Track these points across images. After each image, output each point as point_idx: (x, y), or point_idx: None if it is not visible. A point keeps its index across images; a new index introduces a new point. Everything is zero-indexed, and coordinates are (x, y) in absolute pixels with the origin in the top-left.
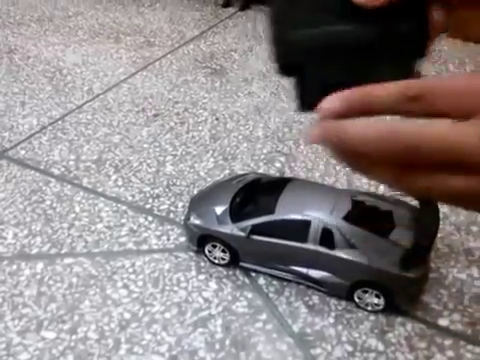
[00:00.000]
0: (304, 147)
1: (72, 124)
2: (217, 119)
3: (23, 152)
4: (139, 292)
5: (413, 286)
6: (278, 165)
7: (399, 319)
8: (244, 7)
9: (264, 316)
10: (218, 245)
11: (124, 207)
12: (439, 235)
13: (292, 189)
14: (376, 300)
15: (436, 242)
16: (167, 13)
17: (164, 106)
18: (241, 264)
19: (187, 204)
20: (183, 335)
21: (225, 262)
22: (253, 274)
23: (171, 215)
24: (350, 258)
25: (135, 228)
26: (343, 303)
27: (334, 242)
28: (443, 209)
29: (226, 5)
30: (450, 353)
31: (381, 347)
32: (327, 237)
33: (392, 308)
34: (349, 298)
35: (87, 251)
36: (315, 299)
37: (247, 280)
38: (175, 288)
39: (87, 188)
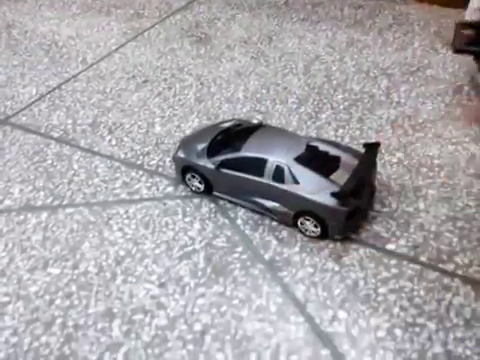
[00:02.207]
0: (280, 106)
1: (68, 92)
2: (201, 83)
3: (24, 118)
4: (132, 234)
5: (344, 218)
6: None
7: (353, 246)
8: None
9: (240, 248)
10: (196, 175)
11: (117, 163)
12: (393, 177)
13: (260, 133)
14: (314, 228)
15: (390, 182)
16: None
17: (153, 73)
18: (214, 193)
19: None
20: (170, 266)
21: (201, 190)
22: (232, 215)
23: (160, 169)
24: (294, 191)
25: (128, 181)
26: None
27: (284, 178)
28: (398, 154)
29: None
30: (394, 270)
31: (337, 268)
32: (279, 173)
33: (326, 236)
34: (294, 225)
35: (85, 202)
36: (284, 233)
37: (227, 221)
38: (164, 229)
39: (84, 148)
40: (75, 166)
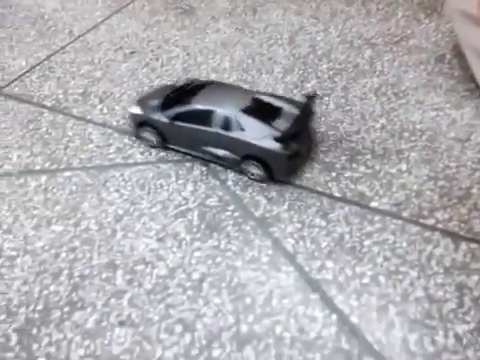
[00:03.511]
0: (265, 76)
1: (58, 63)
2: (188, 54)
3: (17, 89)
4: (129, 195)
5: (286, 161)
6: None
7: (339, 204)
8: None
9: (232, 207)
10: (151, 129)
11: (110, 130)
12: (377, 141)
13: (210, 88)
14: (259, 171)
15: (373, 146)
16: None
17: (139, 44)
18: (169, 145)
19: None
20: (167, 223)
21: (155, 144)
22: (222, 177)
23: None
24: (240, 138)
25: (121, 147)
26: (295, 194)
27: (231, 126)
28: (381, 121)
29: None
30: (378, 225)
31: (323, 224)
32: (226, 123)
33: (271, 178)
34: (240, 170)
35: (82, 166)
36: (273, 193)
37: (218, 182)
38: (158, 190)
39: (77, 116)
40: (69, 133)
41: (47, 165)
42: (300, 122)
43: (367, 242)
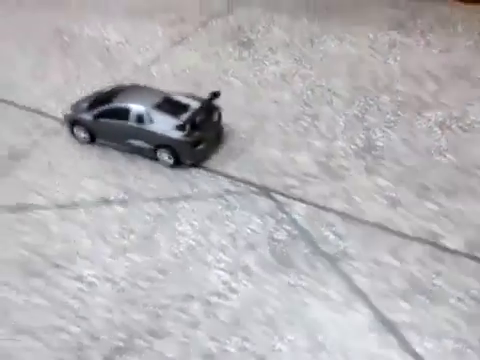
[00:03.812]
0: (326, 107)
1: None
2: (248, 85)
3: None
4: (199, 226)
5: (188, 147)
6: (305, 124)
7: (409, 241)
8: None
9: (301, 242)
10: (81, 127)
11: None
12: (445, 176)
13: (130, 90)
14: (169, 158)
15: (442, 182)
16: None
17: (200, 75)
18: (98, 141)
19: (230, 159)
20: (237, 256)
21: (87, 140)
22: (288, 209)
23: (218, 168)
24: (151, 129)
25: (189, 179)
26: (364, 230)
27: (144, 120)
28: (449, 155)
29: None
30: (450, 265)
31: (395, 262)
32: (140, 118)
33: (180, 163)
34: (155, 158)
35: (155, 197)
36: (341, 229)
37: (284, 216)
38: (226, 222)
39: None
40: (141, 165)
41: (121, 196)
42: (198, 113)
43: (439, 282)
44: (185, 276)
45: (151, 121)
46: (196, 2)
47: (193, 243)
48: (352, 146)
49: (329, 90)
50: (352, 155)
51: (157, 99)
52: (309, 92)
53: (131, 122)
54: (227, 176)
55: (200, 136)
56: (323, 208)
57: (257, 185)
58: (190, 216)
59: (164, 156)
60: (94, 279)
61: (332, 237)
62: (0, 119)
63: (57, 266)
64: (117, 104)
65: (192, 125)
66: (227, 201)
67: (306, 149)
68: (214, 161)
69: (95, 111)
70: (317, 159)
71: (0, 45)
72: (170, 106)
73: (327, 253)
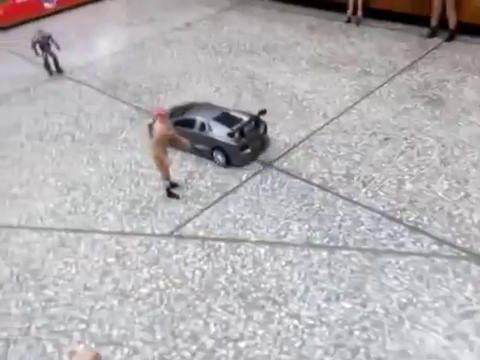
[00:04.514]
0: None
1: (317, 143)
2: (443, 146)
3: (285, 164)
4: (408, 284)
5: (237, 150)
6: None
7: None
8: (450, 38)
9: None
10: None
11: (378, 215)
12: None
13: (198, 106)
14: (221, 159)
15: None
16: (375, 44)
17: (391, 131)
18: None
19: (432, 219)
20: (453, 322)
21: None
22: None
23: (419, 226)
24: (209, 136)
25: (392, 234)
26: None
27: (205, 128)
28: None
29: (432, 36)
30: None
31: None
32: (203, 126)
33: (229, 163)
34: (211, 158)
35: (357, 247)
36: None
37: None
38: (437, 285)
39: (344, 197)
40: (340, 212)
41: (325, 241)
42: (246, 125)
43: None
44: (400, 334)
45: (210, 129)
46: (380, 56)
47: (405, 300)
48: None
49: None
50: None
51: (217, 113)
52: None
53: (195, 130)
54: (431, 236)
55: (246, 142)
56: None
57: (467, 250)
58: (397, 272)
59: (218, 156)
60: (311, 321)
61: None
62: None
63: (275, 302)
64: (186, 116)
65: (240, 133)
66: (434, 262)
67: None
68: (421, 224)
69: (173, 120)
70: None
71: (201, 84)
72: (226, 119)
73: None
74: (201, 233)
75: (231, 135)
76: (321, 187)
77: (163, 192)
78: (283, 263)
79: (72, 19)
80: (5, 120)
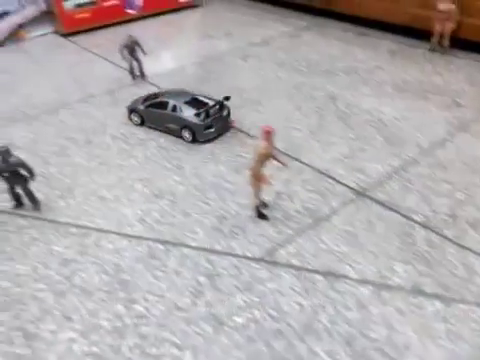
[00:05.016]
0: None
1: (414, 175)
2: None
3: (380, 194)
4: None
5: (202, 128)
6: None
7: None
8: None
9: None
10: (136, 114)
11: None
12: None
13: (173, 91)
14: (188, 136)
15: None
16: (464, 75)
17: None
18: (146, 124)
19: None
20: None
21: (138, 123)
22: None
23: None
24: (179, 115)
25: None
26: None
27: (176, 110)
28: None
29: None
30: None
31: None
32: (174, 108)
33: (195, 140)
34: (180, 136)
35: (475, 301)
36: None
37: None
38: None
39: (452, 240)
40: (450, 258)
41: (438, 290)
42: (211, 108)
43: None
44: None
45: (181, 110)
46: (468, 87)
47: None
48: None
49: None
50: None
51: (187, 98)
52: None
53: (168, 111)
54: None
55: (210, 123)
56: None
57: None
58: None
59: (186, 134)
60: None
61: None
62: (297, 179)
63: (386, 355)
64: (161, 99)
65: (206, 115)
66: None
67: None
68: None
69: (146, 103)
70: None
71: (281, 101)
72: (195, 103)
73: None
74: (295, 262)
75: (198, 115)
76: (424, 225)
77: (251, 211)
78: (391, 310)
79: (152, 26)
80: (92, 120)
